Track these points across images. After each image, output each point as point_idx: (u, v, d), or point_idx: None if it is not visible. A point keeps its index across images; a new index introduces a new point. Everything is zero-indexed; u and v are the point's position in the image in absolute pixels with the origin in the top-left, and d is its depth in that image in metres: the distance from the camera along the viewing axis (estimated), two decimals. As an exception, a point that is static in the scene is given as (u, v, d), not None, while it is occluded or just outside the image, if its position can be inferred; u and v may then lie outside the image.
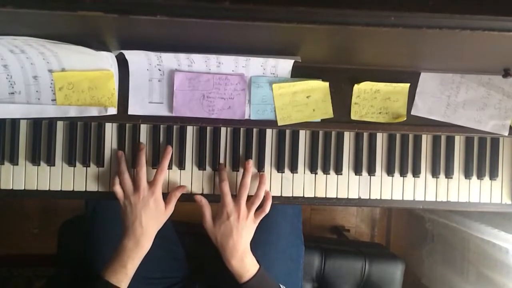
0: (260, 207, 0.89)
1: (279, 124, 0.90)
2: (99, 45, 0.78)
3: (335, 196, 0.94)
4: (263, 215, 0.89)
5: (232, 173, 0.92)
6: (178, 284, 1.00)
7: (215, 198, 0.91)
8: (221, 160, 0.92)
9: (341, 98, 0.91)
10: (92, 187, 0.90)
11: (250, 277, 0.84)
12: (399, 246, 1.78)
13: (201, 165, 0.91)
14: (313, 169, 0.93)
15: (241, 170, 0.91)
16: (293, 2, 0.54)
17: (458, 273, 1.34)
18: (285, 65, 0.85)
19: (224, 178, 0.88)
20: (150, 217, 0.83)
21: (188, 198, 0.92)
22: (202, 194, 0.91)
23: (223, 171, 0.89)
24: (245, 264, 0.85)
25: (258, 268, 0.86)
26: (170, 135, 0.91)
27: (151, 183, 0.85)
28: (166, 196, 0.89)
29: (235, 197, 0.87)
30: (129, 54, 0.83)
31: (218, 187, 0.91)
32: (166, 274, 0.99)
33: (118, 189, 0.85)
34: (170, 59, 0.84)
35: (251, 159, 0.91)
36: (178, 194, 0.88)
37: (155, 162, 0.90)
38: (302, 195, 0.94)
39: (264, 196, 0.89)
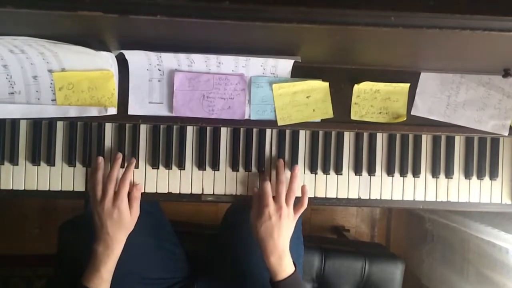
0: (295, 202, 0.88)
1: (279, 124, 0.90)
2: (99, 45, 0.78)
3: (335, 196, 0.94)
4: (302, 209, 0.88)
5: (232, 173, 0.92)
6: (178, 285, 1.00)
7: (215, 198, 0.91)
8: (221, 160, 0.92)
9: (341, 98, 0.91)
10: (92, 187, 0.90)
11: (285, 276, 0.84)
12: (399, 246, 1.78)
13: (201, 165, 0.91)
14: (313, 169, 0.93)
15: (241, 170, 0.91)
16: (293, 2, 0.54)
17: (458, 273, 1.34)
18: (285, 65, 0.86)
19: (266, 179, 0.89)
20: (116, 226, 0.83)
21: (188, 198, 0.92)
22: (202, 194, 0.92)
23: (266, 173, 0.90)
24: (283, 262, 0.84)
25: (294, 269, 0.86)
26: (170, 135, 0.91)
27: (115, 196, 0.84)
28: (165, 195, 0.89)
29: (275, 197, 0.86)
30: (129, 54, 0.83)
31: (218, 188, 0.91)
32: (166, 275, 0.99)
33: (89, 193, 0.86)
34: (170, 59, 0.84)
35: (251, 159, 0.92)
36: (137, 195, 0.87)
37: (154, 162, 0.90)
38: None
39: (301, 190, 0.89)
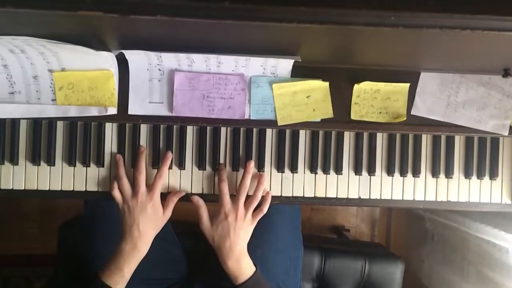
0: (258, 207, 0.89)
1: (279, 124, 0.90)
2: (99, 45, 0.78)
3: (335, 196, 0.94)
4: (260, 215, 0.89)
5: (232, 173, 0.92)
6: (178, 285, 1.00)
7: (215, 198, 0.91)
8: (221, 160, 0.92)
9: (341, 98, 0.91)
10: (92, 187, 0.90)
11: (245, 279, 0.84)
12: (399, 246, 1.78)
13: (201, 165, 0.91)
14: (313, 169, 0.93)
15: (241, 171, 0.91)
16: (293, 2, 0.54)
17: (458, 273, 1.34)
18: (285, 65, 0.85)
19: (223, 178, 0.88)
20: (148, 222, 0.83)
21: (185, 198, 0.92)
22: (202, 194, 0.92)
23: (222, 171, 0.89)
24: (241, 265, 0.85)
25: (254, 270, 0.86)
26: (170, 135, 0.91)
27: (149, 188, 0.85)
28: (165, 195, 0.89)
29: (235, 197, 0.87)
30: (129, 54, 0.83)
31: (214, 187, 0.91)
32: (165, 275, 0.99)
33: (116, 193, 0.85)
34: (170, 59, 0.84)
35: (252, 159, 0.91)
36: (175, 199, 0.88)
37: (155, 162, 0.90)
38: (302, 195, 0.94)
39: (262, 197, 0.89)
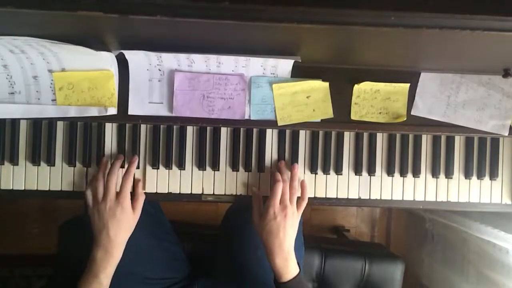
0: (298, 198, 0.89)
1: (279, 124, 0.90)
2: (99, 45, 0.78)
3: (335, 196, 0.94)
4: (304, 204, 0.88)
5: (232, 173, 0.92)
6: (178, 284, 1.00)
7: (215, 198, 0.91)
8: (221, 160, 0.92)
9: (341, 98, 0.91)
10: (92, 187, 0.90)
11: (290, 278, 0.83)
12: (399, 246, 1.78)
13: (201, 165, 0.91)
14: (313, 169, 0.93)
15: (241, 170, 0.92)
16: (293, 2, 0.54)
17: (458, 273, 1.34)
18: (285, 65, 0.85)
19: (279, 179, 0.87)
20: (118, 227, 0.81)
21: (188, 198, 0.92)
22: (202, 194, 0.92)
23: (277, 172, 0.88)
24: (288, 264, 0.84)
25: (298, 271, 0.85)
26: (170, 135, 0.91)
27: (118, 193, 0.83)
28: (165, 195, 0.89)
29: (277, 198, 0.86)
30: (129, 54, 0.83)
31: (218, 188, 0.91)
32: (166, 275, 0.99)
33: (88, 194, 0.84)
34: (170, 59, 0.84)
35: (256, 159, 0.92)
36: (141, 191, 0.87)
37: (155, 162, 0.90)
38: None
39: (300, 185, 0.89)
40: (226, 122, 0.90)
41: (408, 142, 0.95)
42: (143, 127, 0.91)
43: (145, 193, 0.90)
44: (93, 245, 0.82)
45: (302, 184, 0.90)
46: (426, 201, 0.95)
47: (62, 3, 0.54)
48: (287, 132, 0.93)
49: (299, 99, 0.90)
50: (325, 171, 0.93)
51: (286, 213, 0.84)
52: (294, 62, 0.84)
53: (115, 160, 0.87)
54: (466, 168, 0.95)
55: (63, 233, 1.04)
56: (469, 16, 0.54)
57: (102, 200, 0.82)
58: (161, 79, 0.88)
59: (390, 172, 0.94)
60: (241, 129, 0.92)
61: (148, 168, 0.91)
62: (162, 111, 0.89)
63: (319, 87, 0.90)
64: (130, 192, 0.85)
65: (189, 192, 0.92)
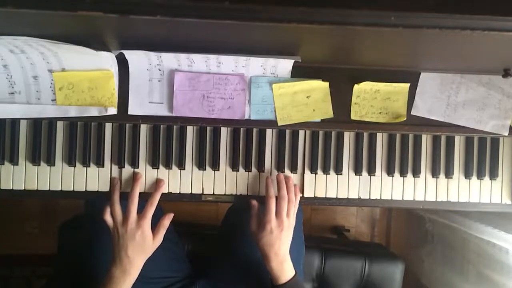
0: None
1: (279, 124, 0.90)
2: (99, 45, 0.78)
3: (335, 196, 0.94)
4: (295, 209, 0.89)
5: (232, 173, 0.92)
6: (178, 284, 1.00)
7: (215, 198, 0.91)
8: (221, 160, 0.92)
9: (341, 98, 0.91)
10: (92, 187, 0.90)
11: (286, 280, 0.86)
12: (399, 246, 1.78)
13: (201, 165, 0.91)
14: (313, 169, 0.93)
15: (241, 170, 0.92)
16: (293, 2, 0.54)
17: (458, 273, 1.34)
18: (285, 65, 0.86)
19: (271, 195, 0.88)
20: (137, 249, 0.83)
21: (188, 198, 0.92)
22: (202, 194, 0.92)
23: (270, 187, 0.89)
24: (284, 267, 0.87)
25: (294, 273, 0.88)
26: (170, 135, 0.91)
27: (140, 216, 0.84)
28: (165, 195, 0.89)
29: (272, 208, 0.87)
30: (129, 54, 0.83)
31: (218, 188, 0.91)
32: (166, 274, 0.99)
33: (108, 218, 0.85)
34: (170, 59, 0.84)
35: (256, 159, 0.92)
36: (166, 224, 0.88)
37: (155, 162, 0.90)
38: (302, 195, 0.94)
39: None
40: (226, 122, 0.90)
41: (408, 142, 0.95)
42: (143, 127, 0.91)
43: (145, 193, 0.90)
44: (111, 262, 0.83)
45: (295, 189, 0.91)
46: (426, 201, 0.95)
47: (62, 3, 0.54)
48: (287, 132, 0.93)
49: (299, 99, 0.90)
50: (325, 171, 0.93)
51: (282, 228, 0.86)
52: (294, 62, 0.84)
53: (134, 181, 0.88)
54: (466, 168, 0.95)
55: (63, 233, 1.04)
56: (469, 16, 0.54)
57: (123, 223, 0.83)
58: (161, 79, 0.88)
59: (390, 172, 0.94)
60: (241, 129, 0.92)
61: (148, 168, 0.91)
62: (162, 111, 0.89)
63: (319, 87, 0.90)
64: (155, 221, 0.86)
65: (189, 192, 0.92)
